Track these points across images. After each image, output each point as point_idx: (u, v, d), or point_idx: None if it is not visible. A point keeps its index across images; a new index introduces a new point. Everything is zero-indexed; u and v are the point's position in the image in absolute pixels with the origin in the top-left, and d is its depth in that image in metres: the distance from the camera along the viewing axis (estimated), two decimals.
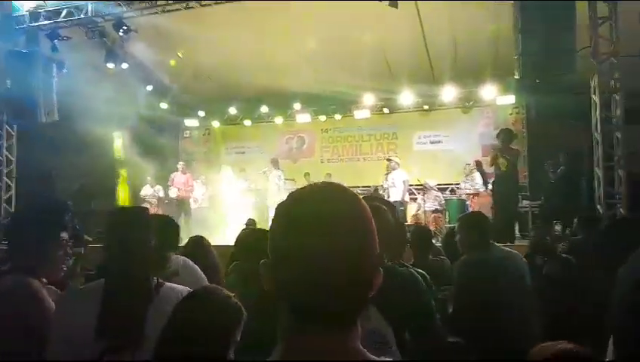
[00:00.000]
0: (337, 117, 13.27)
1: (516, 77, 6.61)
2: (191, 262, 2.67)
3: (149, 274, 1.73)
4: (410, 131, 13.15)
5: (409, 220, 9.79)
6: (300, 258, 0.74)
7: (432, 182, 10.30)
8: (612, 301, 1.16)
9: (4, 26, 8.83)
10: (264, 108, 13.22)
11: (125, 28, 8.76)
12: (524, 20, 6.30)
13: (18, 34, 9.02)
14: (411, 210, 10.43)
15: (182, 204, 11.07)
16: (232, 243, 3.06)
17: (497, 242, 3.39)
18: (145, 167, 11.30)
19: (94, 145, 9.94)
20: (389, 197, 9.32)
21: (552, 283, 3.66)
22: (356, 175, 12.49)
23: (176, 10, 8.53)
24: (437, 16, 8.49)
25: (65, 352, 1.59)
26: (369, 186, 11.19)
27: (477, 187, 9.87)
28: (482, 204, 9.20)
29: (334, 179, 11.53)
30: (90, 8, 8.68)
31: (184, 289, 1.74)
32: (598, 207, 6.88)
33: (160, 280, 1.76)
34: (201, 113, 13.87)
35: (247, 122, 13.94)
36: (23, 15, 9.01)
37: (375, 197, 7.03)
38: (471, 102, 12.32)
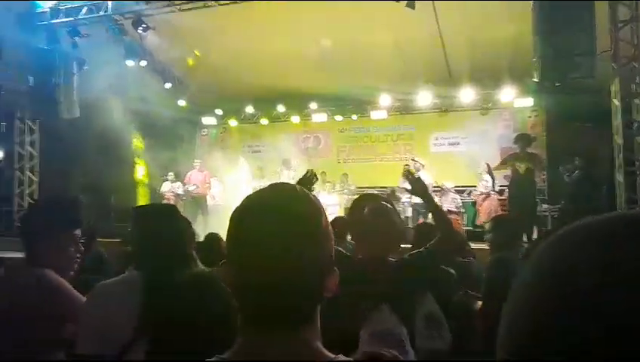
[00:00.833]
0: (354, 117, 13.21)
1: (535, 79, 6.51)
2: None
3: (189, 267, 1.77)
4: (427, 132, 13.02)
5: None
6: (245, 262, 0.77)
7: (449, 184, 10.19)
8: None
9: (25, 24, 9.03)
10: (281, 108, 13.24)
11: (144, 25, 8.89)
12: (543, 22, 6.18)
13: (39, 31, 9.21)
14: None
15: (199, 201, 11.17)
16: None
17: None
18: (163, 164, 11.43)
19: (113, 141, 10.10)
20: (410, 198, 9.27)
21: None
22: (372, 176, 12.41)
23: (194, 8, 8.61)
24: (454, 16, 8.39)
25: (95, 342, 1.62)
26: (385, 187, 11.12)
27: (488, 188, 9.71)
28: (490, 207, 9.13)
29: (351, 180, 11.56)
30: (109, 6, 8.82)
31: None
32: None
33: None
34: (219, 111, 13.97)
35: (264, 121, 13.98)
36: (44, 12, 9.20)
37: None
38: (489, 104, 12.15)
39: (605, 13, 6.47)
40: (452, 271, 3.01)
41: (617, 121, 6.79)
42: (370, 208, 2.15)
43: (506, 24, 8.21)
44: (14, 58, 8.79)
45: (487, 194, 9.56)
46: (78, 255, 2.15)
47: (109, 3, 8.77)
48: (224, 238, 2.90)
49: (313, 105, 12.88)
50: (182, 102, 12.75)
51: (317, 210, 0.81)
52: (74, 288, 2.01)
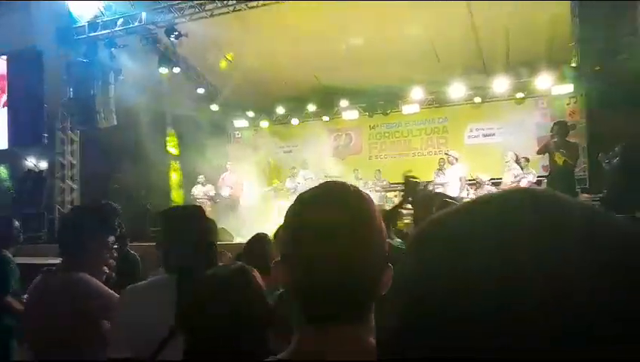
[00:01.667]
0: (385, 112, 13.13)
1: (573, 65, 6.32)
2: None
3: (214, 265, 1.78)
4: (461, 124, 12.79)
5: None
6: (302, 260, 0.77)
7: (484, 177, 9.98)
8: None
9: (65, 38, 9.34)
10: (311, 107, 13.28)
11: (176, 33, 9.06)
12: (582, 5, 5.99)
13: (78, 44, 9.51)
14: None
15: (232, 203, 11.30)
16: None
17: None
18: (196, 167, 11.61)
19: (149, 147, 10.33)
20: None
21: None
22: (406, 171, 12.26)
23: (224, 13, 8.72)
24: (487, 4, 8.22)
25: (125, 346, 1.65)
26: (419, 182, 10.98)
27: (518, 176, 9.46)
28: None
29: (383, 176, 11.48)
30: (143, 16, 9.03)
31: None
32: None
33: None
34: (250, 113, 14.11)
35: (295, 121, 14.03)
36: (83, 26, 9.49)
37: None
38: (525, 93, 11.85)
39: None
40: None
41: None
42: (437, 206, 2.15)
43: (540, 9, 7.98)
44: (55, 71, 9.12)
45: (518, 183, 9.35)
46: (112, 260, 2.23)
47: (143, 14, 8.98)
48: (269, 237, 2.90)
49: (344, 103, 12.86)
50: (215, 107, 12.94)
51: (372, 204, 0.81)
52: None
